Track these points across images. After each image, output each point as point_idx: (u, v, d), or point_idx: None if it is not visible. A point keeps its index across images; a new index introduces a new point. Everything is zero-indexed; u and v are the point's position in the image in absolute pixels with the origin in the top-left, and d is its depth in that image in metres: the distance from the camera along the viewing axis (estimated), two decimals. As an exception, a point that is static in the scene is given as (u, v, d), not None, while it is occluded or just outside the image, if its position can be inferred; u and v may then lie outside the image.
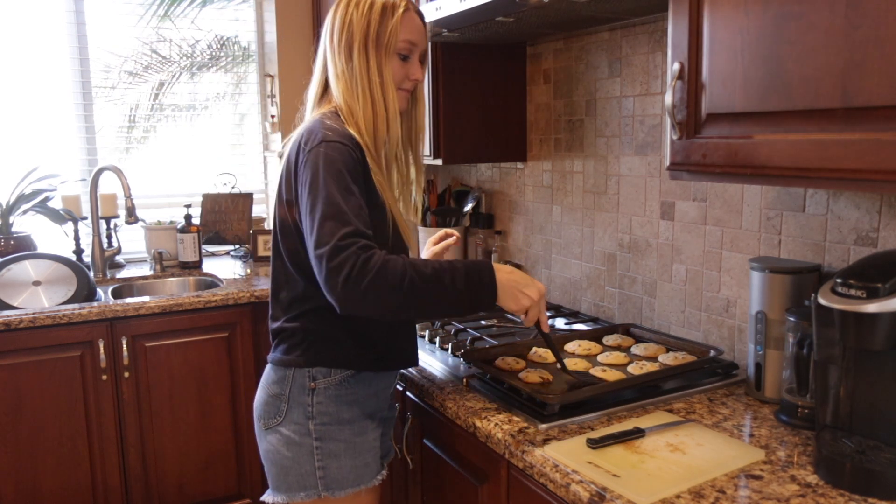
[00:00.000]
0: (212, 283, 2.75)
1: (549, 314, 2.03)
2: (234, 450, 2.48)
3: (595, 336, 1.76)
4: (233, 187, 3.14)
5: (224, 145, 3.30)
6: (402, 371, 1.65)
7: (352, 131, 1.31)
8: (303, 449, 1.35)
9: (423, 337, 1.88)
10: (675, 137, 1.24)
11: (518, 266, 2.41)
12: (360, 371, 1.39)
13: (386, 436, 1.57)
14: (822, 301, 1.10)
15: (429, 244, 1.66)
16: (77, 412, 2.23)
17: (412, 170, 1.50)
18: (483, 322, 1.98)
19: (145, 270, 2.84)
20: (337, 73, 1.36)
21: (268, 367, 1.43)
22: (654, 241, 1.86)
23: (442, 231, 1.66)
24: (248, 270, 2.82)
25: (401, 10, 1.34)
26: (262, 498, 1.41)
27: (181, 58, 3.20)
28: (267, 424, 1.39)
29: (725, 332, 1.67)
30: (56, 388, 2.19)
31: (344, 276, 1.16)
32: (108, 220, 2.81)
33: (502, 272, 1.28)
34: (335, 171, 1.24)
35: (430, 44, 1.45)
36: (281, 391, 1.37)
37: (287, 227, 1.35)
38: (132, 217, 2.62)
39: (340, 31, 1.35)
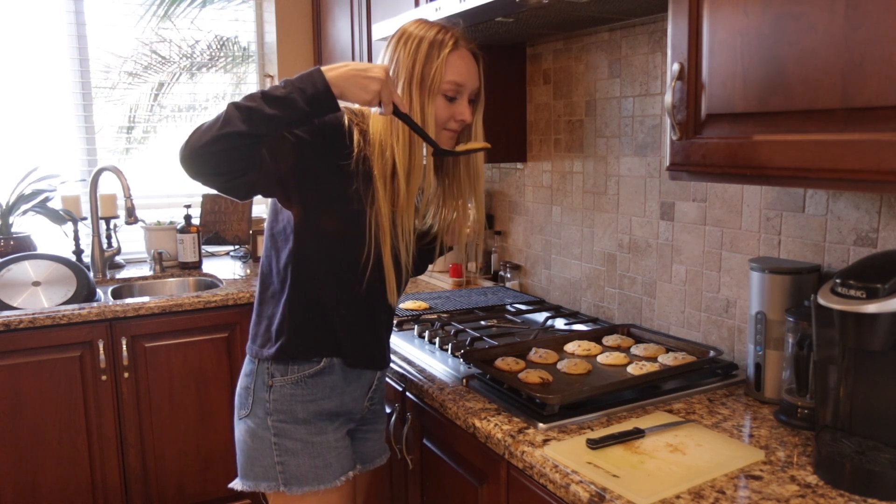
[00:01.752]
0: (211, 283, 2.75)
1: (548, 314, 2.03)
2: (234, 450, 2.48)
3: (595, 336, 1.76)
4: (233, 187, 3.13)
5: (224, 145, 3.30)
6: (403, 371, 1.65)
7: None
8: (264, 443, 1.37)
9: (422, 337, 1.88)
10: (674, 138, 1.24)
11: (517, 267, 2.41)
12: (319, 372, 1.38)
13: (369, 440, 1.55)
14: (821, 301, 1.10)
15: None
16: (77, 412, 2.23)
17: (470, 213, 1.48)
18: (483, 322, 1.98)
19: (145, 271, 2.84)
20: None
21: (246, 357, 1.46)
22: (653, 242, 1.86)
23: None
24: (248, 271, 2.82)
25: (447, 50, 1.29)
26: (231, 485, 1.44)
27: (181, 58, 3.20)
28: (239, 414, 1.43)
29: (725, 332, 1.67)
30: (56, 389, 2.19)
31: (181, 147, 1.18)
32: (107, 220, 2.81)
33: (335, 70, 1.17)
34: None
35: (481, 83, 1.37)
36: (248, 384, 1.41)
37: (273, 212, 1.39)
38: (132, 217, 2.62)
39: (389, 67, 1.31)
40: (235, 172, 1.21)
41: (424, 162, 1.32)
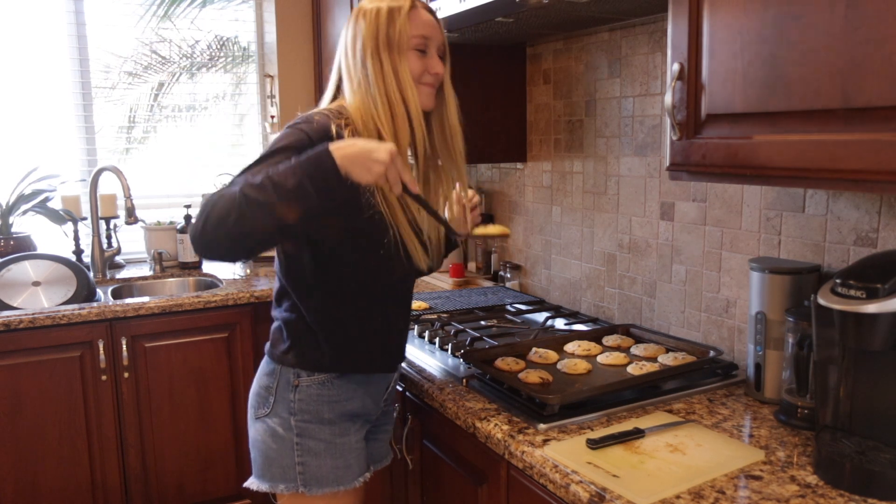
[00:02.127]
0: (211, 283, 2.75)
1: (548, 314, 2.03)
2: (234, 450, 2.48)
3: (595, 336, 1.76)
4: (233, 187, 3.13)
5: (224, 145, 3.30)
6: (403, 371, 1.65)
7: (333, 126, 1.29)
8: (285, 443, 1.37)
9: (422, 337, 1.88)
10: (674, 138, 1.24)
11: (517, 267, 2.41)
12: (343, 373, 1.39)
13: (379, 441, 1.56)
14: (821, 301, 1.10)
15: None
16: (77, 412, 2.23)
17: (474, 198, 1.51)
18: (483, 322, 1.98)
19: (145, 271, 2.84)
20: (353, 87, 1.32)
21: (264, 357, 1.45)
22: (653, 242, 1.86)
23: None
24: (248, 271, 2.82)
25: (406, 8, 1.32)
26: (246, 484, 1.43)
27: (181, 58, 3.20)
28: (256, 414, 1.42)
29: (725, 332, 1.67)
30: (56, 389, 2.19)
31: (190, 231, 1.17)
32: (107, 220, 2.81)
33: (343, 149, 1.14)
34: (285, 143, 1.23)
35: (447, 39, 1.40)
36: (270, 384, 1.40)
37: None
38: (132, 217, 2.62)
39: (353, 44, 1.33)
40: (252, 255, 1.21)
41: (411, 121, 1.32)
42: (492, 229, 1.77)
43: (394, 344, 1.47)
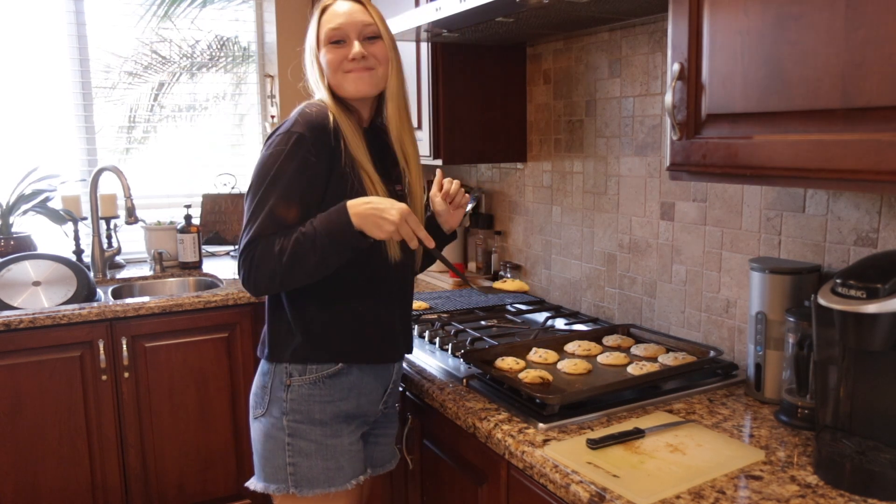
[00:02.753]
0: (212, 283, 2.75)
1: (548, 314, 2.03)
2: (234, 450, 2.48)
3: (595, 336, 1.76)
4: (233, 188, 3.14)
5: (224, 145, 3.31)
6: (403, 371, 1.65)
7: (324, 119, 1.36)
8: (277, 443, 1.38)
9: (422, 337, 1.88)
10: (675, 138, 1.24)
11: (517, 267, 2.41)
12: (337, 373, 1.38)
13: (380, 444, 1.55)
14: (821, 301, 1.10)
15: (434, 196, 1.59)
16: (77, 412, 2.23)
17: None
18: (483, 322, 1.98)
19: (145, 271, 2.84)
20: (310, 88, 1.45)
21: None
22: (653, 242, 1.86)
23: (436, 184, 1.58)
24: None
25: (322, 5, 1.40)
26: (247, 483, 1.46)
27: (181, 58, 3.20)
28: (254, 414, 1.44)
29: (725, 332, 1.67)
30: (56, 389, 2.19)
31: (242, 279, 1.32)
32: (107, 220, 2.80)
33: (357, 207, 1.27)
34: (276, 168, 1.30)
35: (381, 23, 1.42)
36: (265, 383, 1.41)
37: None
38: (132, 217, 2.62)
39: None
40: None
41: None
42: (510, 285, 1.98)
43: (379, 340, 1.43)
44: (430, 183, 2.90)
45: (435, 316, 2.06)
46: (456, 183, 1.56)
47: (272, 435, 1.38)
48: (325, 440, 1.37)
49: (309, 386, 1.37)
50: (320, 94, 1.41)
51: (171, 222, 2.96)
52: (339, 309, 1.38)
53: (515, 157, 2.34)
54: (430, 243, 1.32)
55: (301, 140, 1.30)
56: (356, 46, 1.37)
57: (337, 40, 1.38)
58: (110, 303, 2.29)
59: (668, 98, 1.22)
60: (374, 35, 1.40)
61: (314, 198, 1.32)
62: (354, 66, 1.38)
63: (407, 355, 1.62)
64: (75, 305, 2.26)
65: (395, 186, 1.44)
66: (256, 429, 1.42)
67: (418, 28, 1.89)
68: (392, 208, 1.25)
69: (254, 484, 1.43)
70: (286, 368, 1.38)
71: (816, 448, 1.12)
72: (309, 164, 1.30)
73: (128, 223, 2.64)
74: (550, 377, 1.49)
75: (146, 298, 2.35)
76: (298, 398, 1.37)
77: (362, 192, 1.34)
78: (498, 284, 1.76)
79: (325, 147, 1.32)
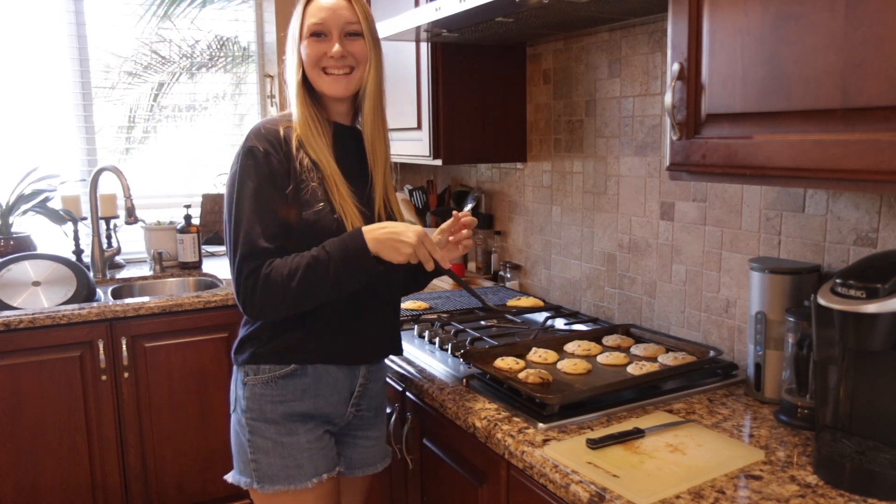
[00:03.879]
0: (211, 283, 2.75)
1: (548, 314, 2.03)
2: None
3: (595, 336, 1.76)
4: (233, 187, 3.13)
5: (224, 145, 3.31)
6: (403, 371, 1.65)
7: (282, 129, 1.37)
8: (241, 439, 1.42)
9: (422, 337, 1.88)
10: (674, 138, 1.24)
11: (517, 267, 2.41)
12: (289, 374, 1.38)
13: (359, 447, 1.53)
14: (821, 301, 1.10)
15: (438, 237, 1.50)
16: (77, 412, 2.23)
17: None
18: (483, 322, 1.98)
19: (145, 271, 2.84)
20: (285, 76, 1.44)
21: None
22: (653, 242, 1.86)
23: (449, 222, 1.49)
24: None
25: (304, 1, 1.40)
26: (225, 476, 1.48)
27: (181, 58, 3.20)
28: (230, 412, 1.48)
29: (725, 332, 1.67)
30: (56, 389, 2.19)
31: (242, 301, 1.32)
32: (107, 220, 2.81)
33: (373, 232, 1.28)
34: (237, 187, 1.32)
35: (365, 20, 1.41)
36: (233, 383, 1.46)
37: None
38: (132, 217, 2.62)
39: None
40: None
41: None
42: (525, 302, 2.08)
43: (342, 343, 1.41)
44: (429, 184, 2.90)
45: (435, 316, 2.06)
46: (469, 220, 1.50)
47: (237, 431, 1.43)
48: (279, 438, 1.39)
49: (262, 385, 1.39)
50: (293, 82, 1.40)
51: (171, 222, 2.96)
52: (302, 313, 1.36)
53: (515, 157, 2.34)
54: (446, 264, 1.34)
55: (252, 152, 1.33)
56: (336, 46, 1.37)
57: (318, 33, 1.38)
58: (110, 303, 2.29)
59: (668, 98, 1.22)
60: (356, 32, 1.40)
61: (284, 201, 1.33)
62: (332, 64, 1.39)
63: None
64: (75, 305, 2.26)
65: (365, 187, 1.45)
66: (231, 425, 1.48)
67: (418, 28, 1.89)
68: (409, 231, 1.28)
69: (230, 476, 1.46)
70: (244, 368, 1.41)
71: (816, 448, 1.12)
72: (264, 172, 1.32)
73: (127, 223, 2.64)
74: (550, 377, 1.49)
75: (146, 298, 2.35)
76: (252, 396, 1.40)
77: (323, 193, 1.35)
78: (512, 302, 1.77)
79: (278, 151, 1.34)
